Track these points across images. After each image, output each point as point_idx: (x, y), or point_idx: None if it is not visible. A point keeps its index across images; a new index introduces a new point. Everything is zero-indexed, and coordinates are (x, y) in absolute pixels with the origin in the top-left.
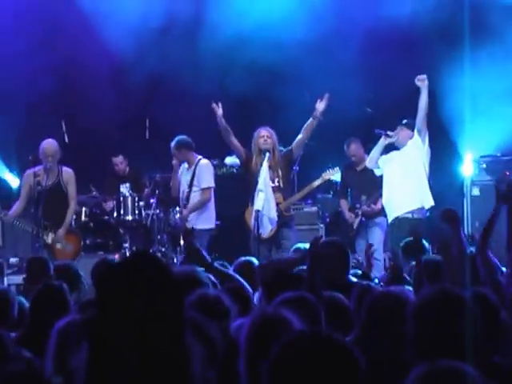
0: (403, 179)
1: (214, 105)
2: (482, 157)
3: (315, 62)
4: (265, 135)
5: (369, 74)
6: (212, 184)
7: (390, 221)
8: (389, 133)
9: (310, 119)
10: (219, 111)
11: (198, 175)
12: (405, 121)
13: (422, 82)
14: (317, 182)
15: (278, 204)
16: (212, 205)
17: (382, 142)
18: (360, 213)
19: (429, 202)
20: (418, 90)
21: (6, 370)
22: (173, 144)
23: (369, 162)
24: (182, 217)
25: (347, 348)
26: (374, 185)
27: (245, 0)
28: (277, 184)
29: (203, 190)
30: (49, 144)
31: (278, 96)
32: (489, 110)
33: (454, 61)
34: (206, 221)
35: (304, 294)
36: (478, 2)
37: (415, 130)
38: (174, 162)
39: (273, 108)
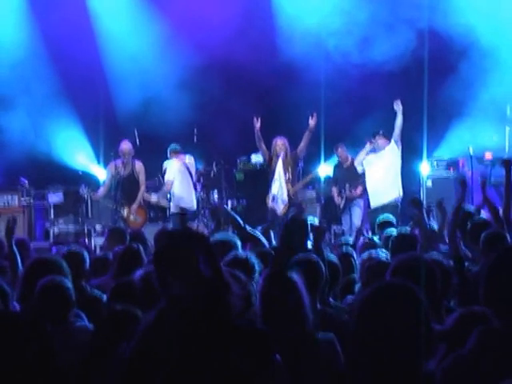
0: (385, 175)
1: (255, 119)
2: (433, 157)
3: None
4: (280, 144)
5: (359, 101)
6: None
7: (375, 205)
8: (372, 140)
9: (307, 131)
10: (258, 124)
11: None
12: (381, 131)
13: (397, 106)
14: (311, 176)
15: (288, 190)
16: None
17: (368, 147)
18: (344, 196)
19: (401, 191)
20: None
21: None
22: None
23: (356, 161)
24: None
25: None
26: (355, 177)
27: None
28: (288, 177)
29: None
30: (125, 144)
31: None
32: (441, 124)
33: (418, 89)
34: None
35: (309, 256)
36: (438, 45)
37: (393, 140)
38: None
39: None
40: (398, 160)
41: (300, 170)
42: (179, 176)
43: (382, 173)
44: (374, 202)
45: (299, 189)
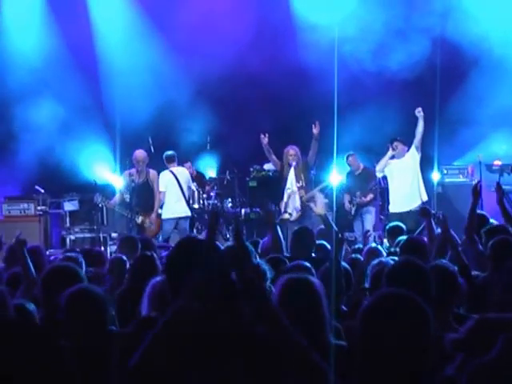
0: (408, 181)
1: (262, 136)
2: (444, 165)
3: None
4: (292, 153)
5: (373, 108)
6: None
7: (395, 211)
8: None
9: (312, 140)
10: (265, 140)
11: None
12: (399, 137)
13: (419, 113)
14: (323, 185)
15: (301, 197)
16: None
17: (389, 153)
18: (355, 203)
19: (424, 197)
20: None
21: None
22: None
23: (378, 167)
24: None
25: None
26: (365, 185)
27: None
28: (301, 184)
29: None
30: (140, 152)
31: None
32: (452, 132)
33: (430, 97)
34: None
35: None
36: (451, 54)
37: (413, 146)
38: None
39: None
40: (418, 166)
41: (313, 178)
42: (169, 187)
43: (404, 179)
44: (395, 208)
45: (312, 196)
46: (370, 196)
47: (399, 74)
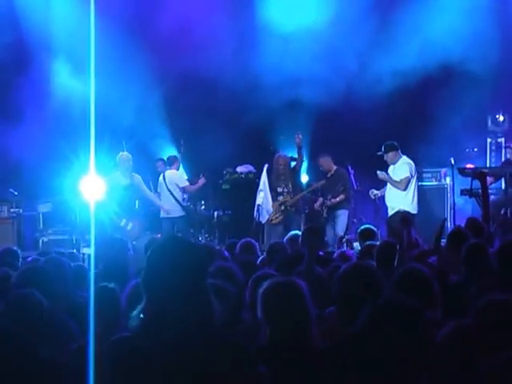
0: (394, 189)
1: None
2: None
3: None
4: (282, 164)
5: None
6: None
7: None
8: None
9: (297, 149)
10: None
11: None
12: (389, 143)
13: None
14: (308, 189)
15: (286, 201)
16: None
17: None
18: (326, 206)
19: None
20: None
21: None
22: None
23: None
24: None
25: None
26: (336, 186)
27: None
28: (287, 189)
29: None
30: (123, 156)
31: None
32: (425, 136)
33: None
34: None
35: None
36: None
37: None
38: None
39: None
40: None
41: (301, 185)
42: (160, 189)
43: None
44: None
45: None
46: (341, 197)
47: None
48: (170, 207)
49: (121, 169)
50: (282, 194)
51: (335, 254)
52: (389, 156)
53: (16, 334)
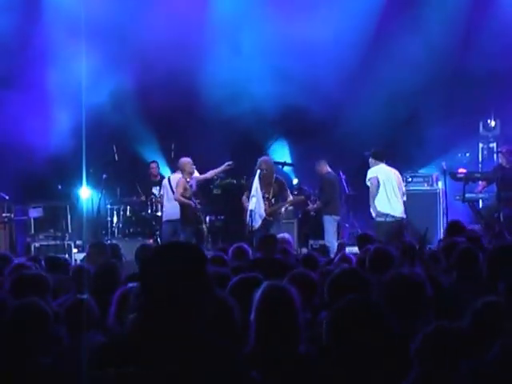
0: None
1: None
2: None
3: None
4: (264, 168)
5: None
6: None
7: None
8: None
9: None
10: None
11: None
12: (373, 150)
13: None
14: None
15: (265, 210)
16: None
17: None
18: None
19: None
20: None
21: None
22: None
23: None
24: None
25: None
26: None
27: None
28: (267, 196)
29: None
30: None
31: None
32: (416, 140)
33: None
34: None
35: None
36: None
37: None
38: None
39: None
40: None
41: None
42: (164, 191)
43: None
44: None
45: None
46: (318, 203)
47: None
48: (173, 210)
49: (185, 173)
50: (264, 198)
51: (336, 258)
52: (369, 161)
53: (17, 342)
